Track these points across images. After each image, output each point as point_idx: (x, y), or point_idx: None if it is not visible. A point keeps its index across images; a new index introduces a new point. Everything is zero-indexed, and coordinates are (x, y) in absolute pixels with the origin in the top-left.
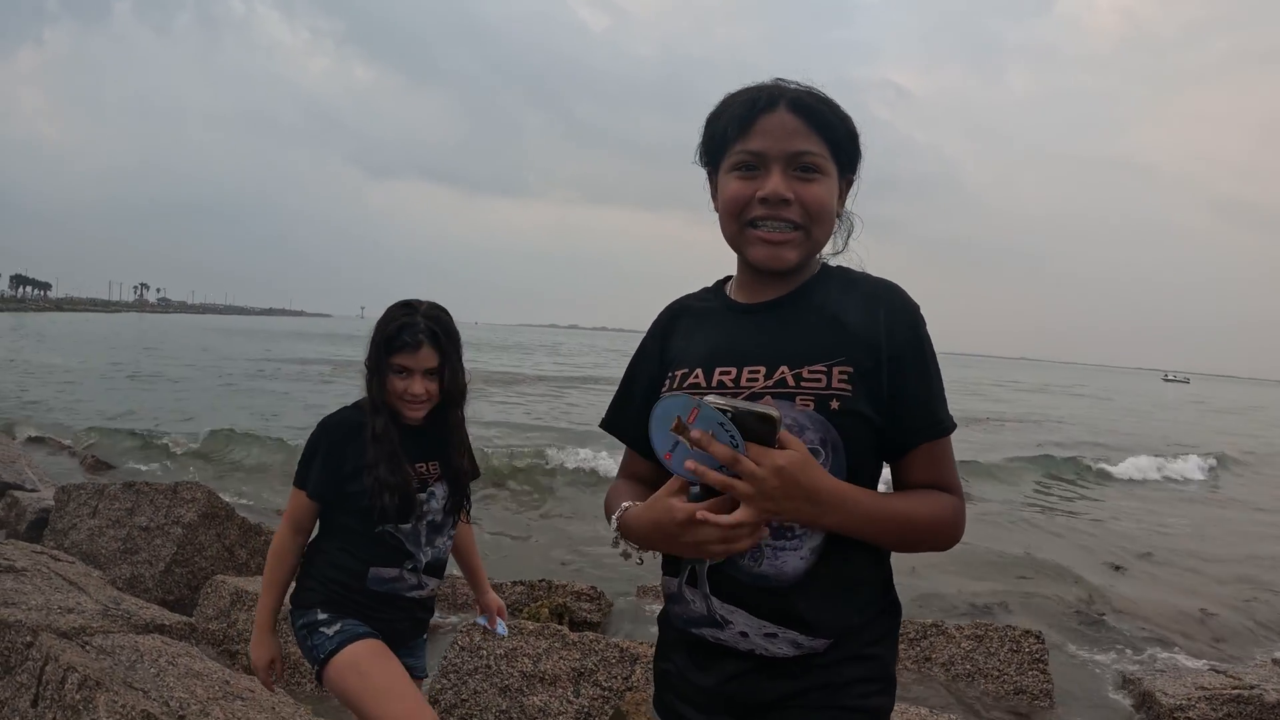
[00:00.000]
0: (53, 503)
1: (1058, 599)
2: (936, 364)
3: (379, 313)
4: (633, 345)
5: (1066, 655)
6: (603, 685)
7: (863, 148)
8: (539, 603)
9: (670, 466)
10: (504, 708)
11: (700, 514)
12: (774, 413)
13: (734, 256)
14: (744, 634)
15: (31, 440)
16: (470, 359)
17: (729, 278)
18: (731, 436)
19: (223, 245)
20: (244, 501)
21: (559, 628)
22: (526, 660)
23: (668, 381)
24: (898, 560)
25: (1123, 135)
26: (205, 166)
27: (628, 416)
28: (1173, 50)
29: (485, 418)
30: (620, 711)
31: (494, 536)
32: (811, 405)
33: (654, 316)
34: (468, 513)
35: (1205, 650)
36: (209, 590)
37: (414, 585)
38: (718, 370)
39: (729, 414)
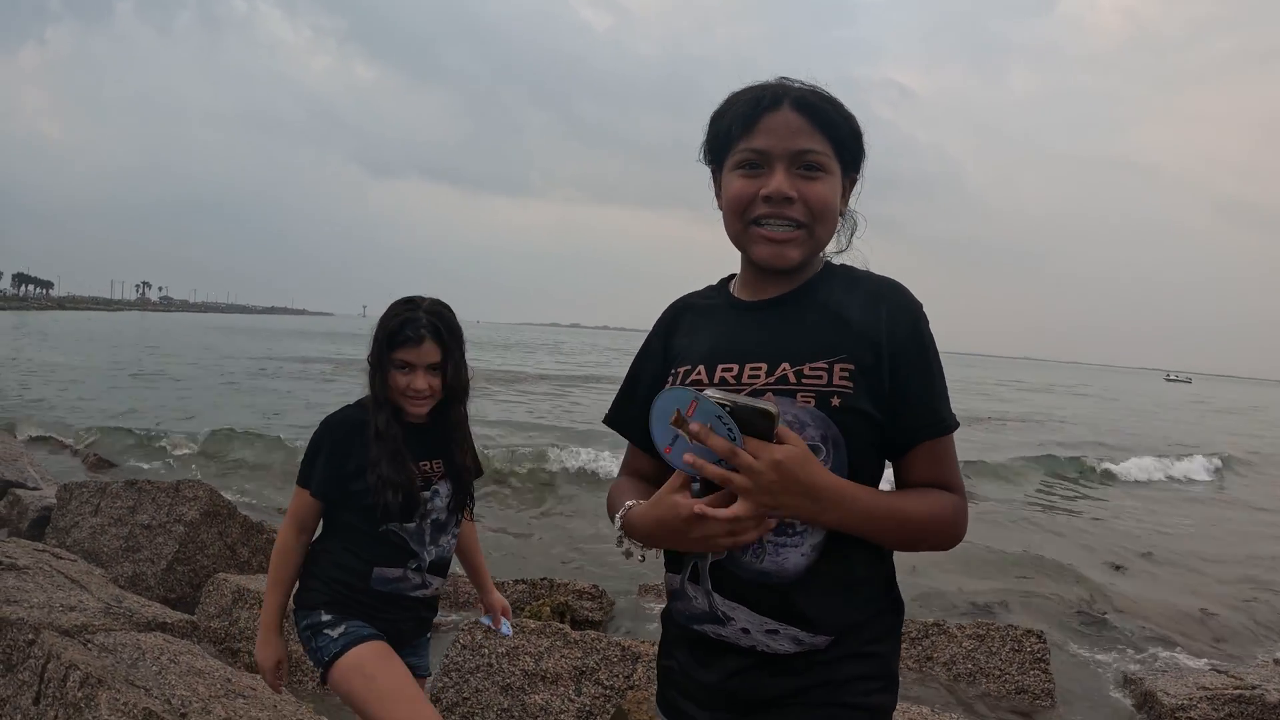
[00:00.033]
0: (55, 501)
1: (1059, 598)
2: (939, 362)
3: (381, 312)
4: (634, 344)
5: (1068, 654)
6: (604, 684)
7: (865, 147)
8: (540, 601)
9: (670, 460)
10: (505, 706)
11: (698, 508)
12: (772, 408)
13: (736, 255)
14: (745, 630)
15: (34, 438)
16: (472, 357)
17: (733, 276)
18: (730, 430)
19: (225, 244)
20: (246, 500)
21: (561, 626)
22: (528, 659)
23: (671, 378)
24: (898, 559)
25: (1125, 135)
26: (207, 165)
27: (631, 413)
28: (1175, 50)
29: (487, 416)
30: (622, 710)
31: (495, 535)
32: (812, 402)
33: (656, 315)
34: (471, 511)
35: (1207, 650)
36: (211, 588)
37: (418, 585)
38: (720, 367)
39: (728, 408)
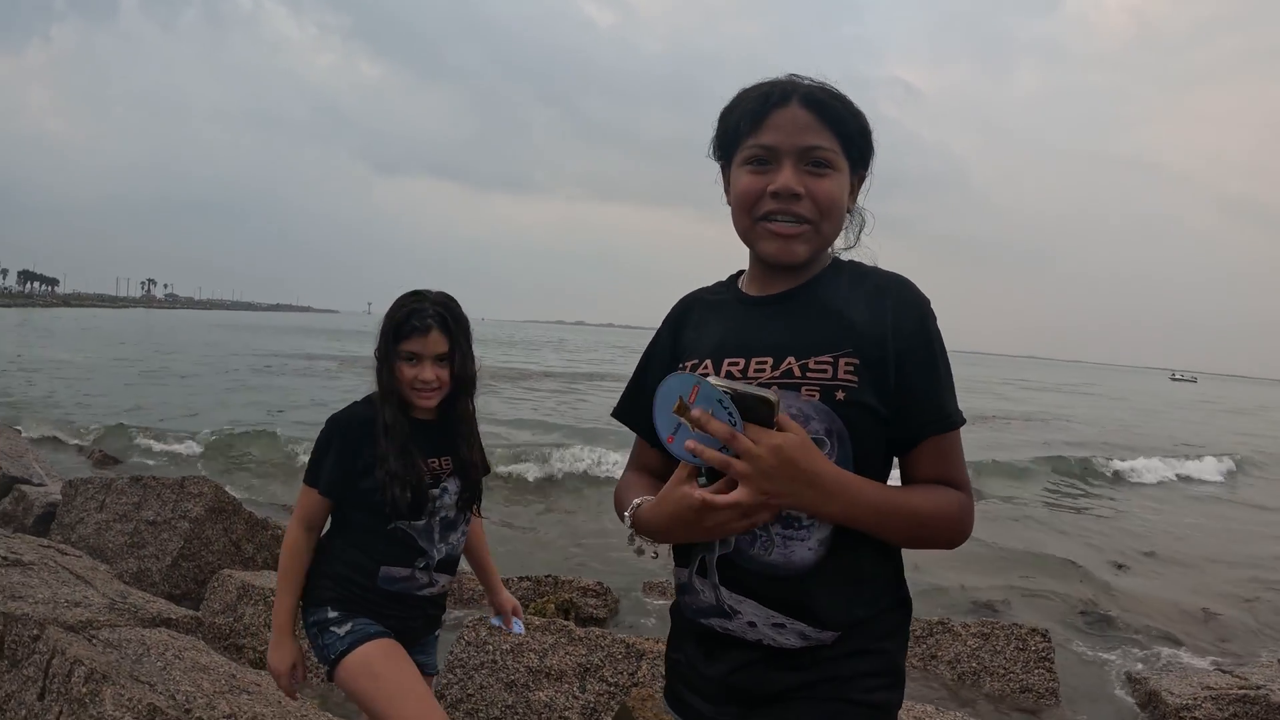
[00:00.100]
0: (60, 497)
1: (1064, 597)
2: (945, 358)
3: (385, 309)
4: (639, 341)
5: (1072, 653)
6: (609, 681)
7: (874, 144)
8: (545, 598)
9: (672, 449)
10: (510, 703)
11: (698, 495)
12: (772, 396)
13: (743, 252)
14: (752, 624)
15: (39, 435)
16: (477, 354)
17: (742, 272)
18: (730, 415)
19: (230, 241)
20: (251, 496)
21: (565, 623)
22: (533, 655)
23: (678, 371)
24: (903, 556)
25: (1130, 133)
26: (212, 162)
27: (639, 406)
28: (1182, 48)
29: (493, 413)
30: (626, 707)
31: (500, 532)
32: (817, 396)
33: (660, 312)
34: (478, 508)
35: (1211, 650)
36: (216, 584)
37: (425, 583)
38: (726, 361)
39: (729, 393)
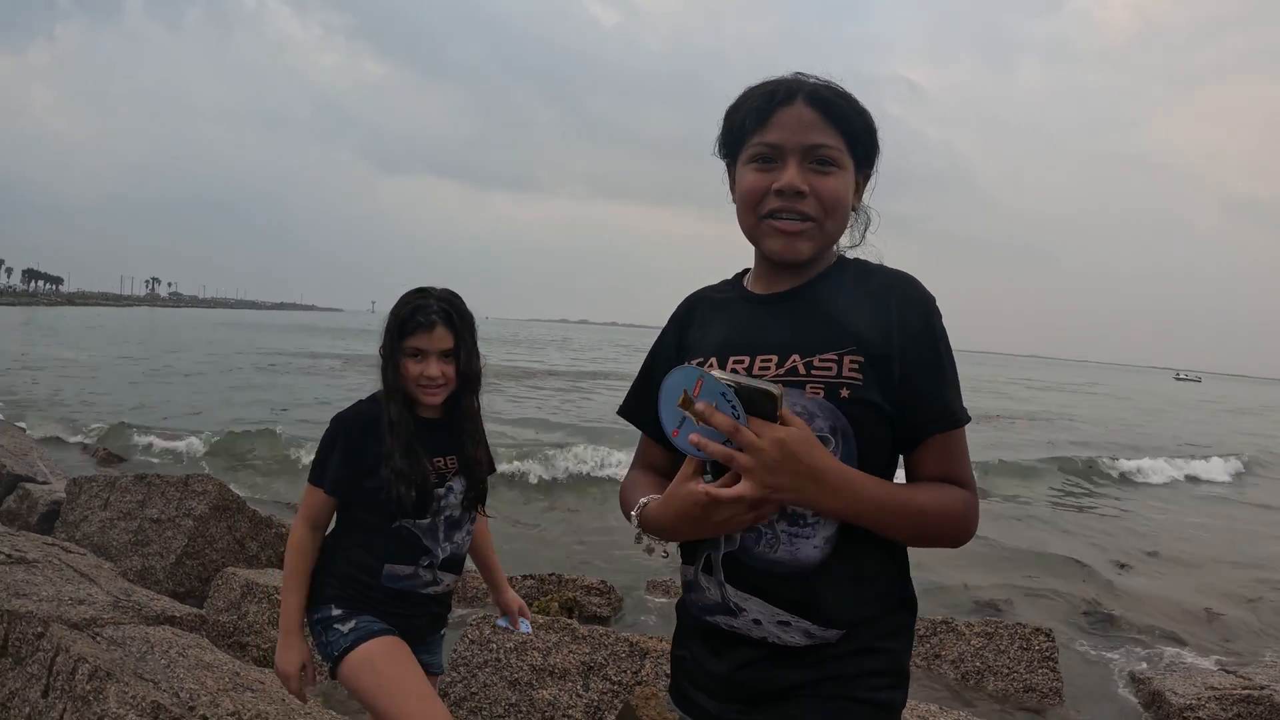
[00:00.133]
0: (64, 495)
1: (1067, 596)
2: (950, 355)
3: (389, 307)
4: (642, 340)
5: (1075, 653)
6: (612, 679)
7: (880, 143)
8: (549, 596)
9: (677, 443)
10: (513, 701)
11: (700, 488)
12: (775, 389)
13: (745, 252)
14: (757, 621)
15: (44, 433)
16: (481, 352)
17: (747, 270)
18: (734, 409)
19: (234, 240)
20: (255, 495)
21: (569, 621)
22: (536, 654)
23: None
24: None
25: (1135, 132)
26: (216, 161)
27: (645, 404)
28: (1185, 47)
29: (497, 411)
30: (630, 706)
31: (504, 530)
32: (821, 393)
33: (664, 311)
34: (483, 507)
35: (1215, 650)
36: (220, 582)
37: (429, 581)
38: (731, 359)
39: (733, 386)
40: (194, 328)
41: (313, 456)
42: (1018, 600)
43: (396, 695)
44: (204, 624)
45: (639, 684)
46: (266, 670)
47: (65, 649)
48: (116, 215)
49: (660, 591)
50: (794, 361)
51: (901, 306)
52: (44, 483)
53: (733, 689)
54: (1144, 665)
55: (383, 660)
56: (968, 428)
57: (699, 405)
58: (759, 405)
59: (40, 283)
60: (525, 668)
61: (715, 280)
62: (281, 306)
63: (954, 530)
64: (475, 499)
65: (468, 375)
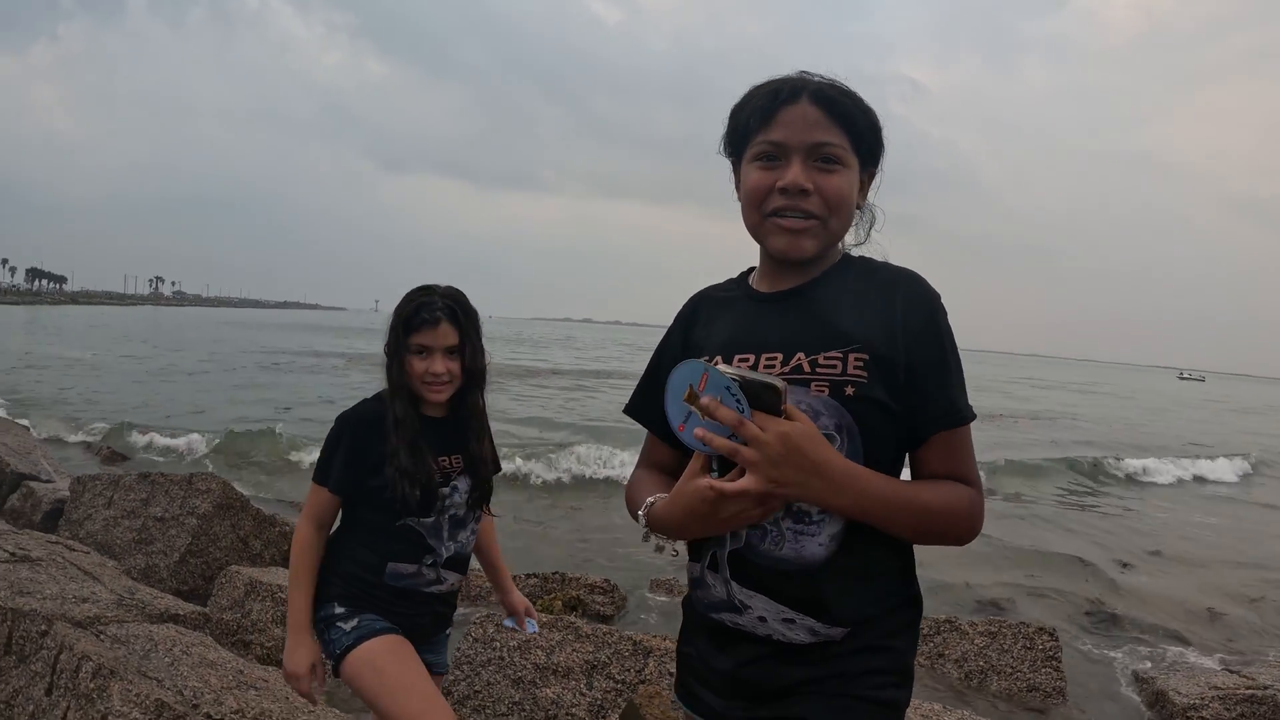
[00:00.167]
0: (68, 493)
1: (1070, 595)
2: (956, 353)
3: (393, 306)
4: (646, 338)
5: (1079, 652)
6: (616, 678)
7: (885, 141)
8: (552, 595)
9: (683, 437)
10: (517, 699)
11: (706, 483)
12: (778, 383)
13: (749, 251)
14: (762, 619)
15: (47, 432)
16: (486, 350)
17: (752, 269)
18: (738, 402)
19: (238, 239)
20: (258, 493)
21: (572, 620)
22: (539, 652)
23: None
24: None
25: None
26: (220, 161)
27: (651, 403)
28: (1190, 46)
29: (501, 410)
30: (633, 704)
31: (507, 528)
32: (826, 391)
33: (667, 310)
34: (488, 506)
35: (1218, 649)
36: (223, 581)
37: (433, 580)
38: (736, 357)
39: (737, 380)
40: (198, 327)
41: (315, 456)
42: (1020, 599)
43: (398, 694)
44: (207, 622)
45: (642, 683)
46: (270, 668)
47: (69, 647)
48: (120, 215)
49: (663, 590)
50: (799, 359)
51: (906, 304)
52: (48, 481)
53: (737, 686)
54: (1147, 664)
55: (384, 659)
56: (972, 426)
57: (704, 400)
58: (763, 399)
59: (44, 282)
60: (529, 666)
61: (718, 279)
62: (285, 305)
63: (959, 528)
64: (480, 498)
65: (473, 372)
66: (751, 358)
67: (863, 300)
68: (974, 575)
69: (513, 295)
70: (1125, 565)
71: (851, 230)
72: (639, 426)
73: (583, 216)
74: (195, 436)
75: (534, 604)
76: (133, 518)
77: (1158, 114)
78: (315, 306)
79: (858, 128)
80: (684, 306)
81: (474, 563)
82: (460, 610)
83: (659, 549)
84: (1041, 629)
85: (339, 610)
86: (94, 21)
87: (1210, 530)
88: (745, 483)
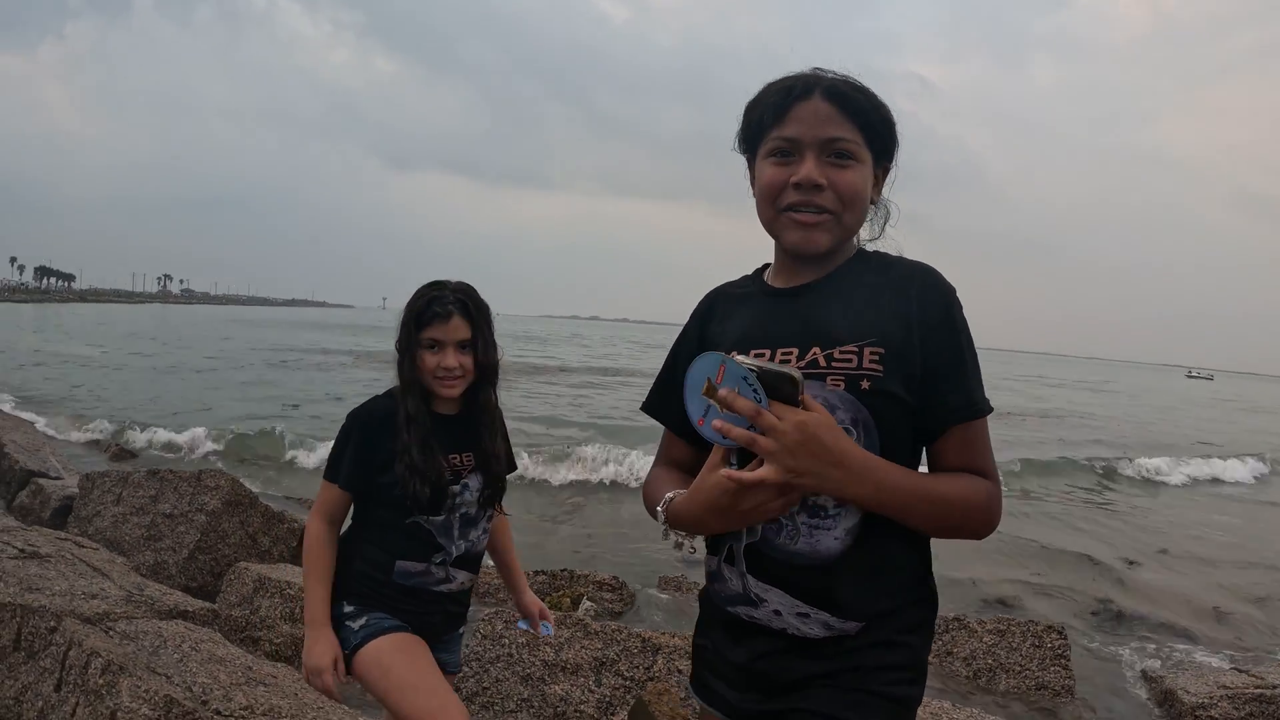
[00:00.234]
0: (76, 490)
1: (1078, 593)
2: (972, 346)
3: (401, 304)
4: (655, 336)
5: (1087, 650)
6: (624, 675)
7: (899, 137)
8: (561, 592)
9: (703, 431)
10: (525, 696)
11: (725, 473)
12: (796, 374)
13: (756, 249)
14: (777, 612)
15: (56, 429)
16: (498, 345)
17: (767, 265)
18: (756, 393)
19: (245, 237)
20: (267, 490)
21: (581, 617)
22: (548, 649)
23: None
24: None
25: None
26: (227, 159)
27: (668, 400)
28: (1198, 42)
29: (509, 408)
30: (642, 701)
31: (515, 526)
32: (842, 385)
33: (676, 307)
34: (501, 505)
35: (1226, 648)
36: (232, 577)
37: (442, 579)
38: (752, 352)
39: (755, 371)
40: (206, 324)
41: (318, 454)
42: (1027, 596)
43: (407, 692)
44: (216, 619)
45: (651, 679)
46: (279, 665)
47: (78, 643)
48: (128, 213)
49: (672, 587)
50: (814, 353)
51: (922, 297)
52: (56, 478)
53: (752, 679)
54: (1155, 663)
55: (392, 657)
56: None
57: (722, 392)
58: (781, 390)
59: (52, 280)
60: (537, 663)
61: (727, 277)
62: (293, 303)
63: (977, 520)
64: (492, 496)
65: (485, 366)
66: (767, 353)
67: (878, 294)
68: (981, 572)
69: (520, 292)
70: (1133, 563)
71: (866, 225)
72: (647, 424)
73: (590, 214)
74: (202, 431)
75: (542, 600)
76: (141, 514)
77: (1166, 110)
78: (323, 304)
79: (870, 123)
80: (699, 303)
81: (486, 560)
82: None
83: (678, 546)
84: (1050, 627)
85: (348, 609)
86: (101, 21)
87: (1220, 529)
88: (763, 472)
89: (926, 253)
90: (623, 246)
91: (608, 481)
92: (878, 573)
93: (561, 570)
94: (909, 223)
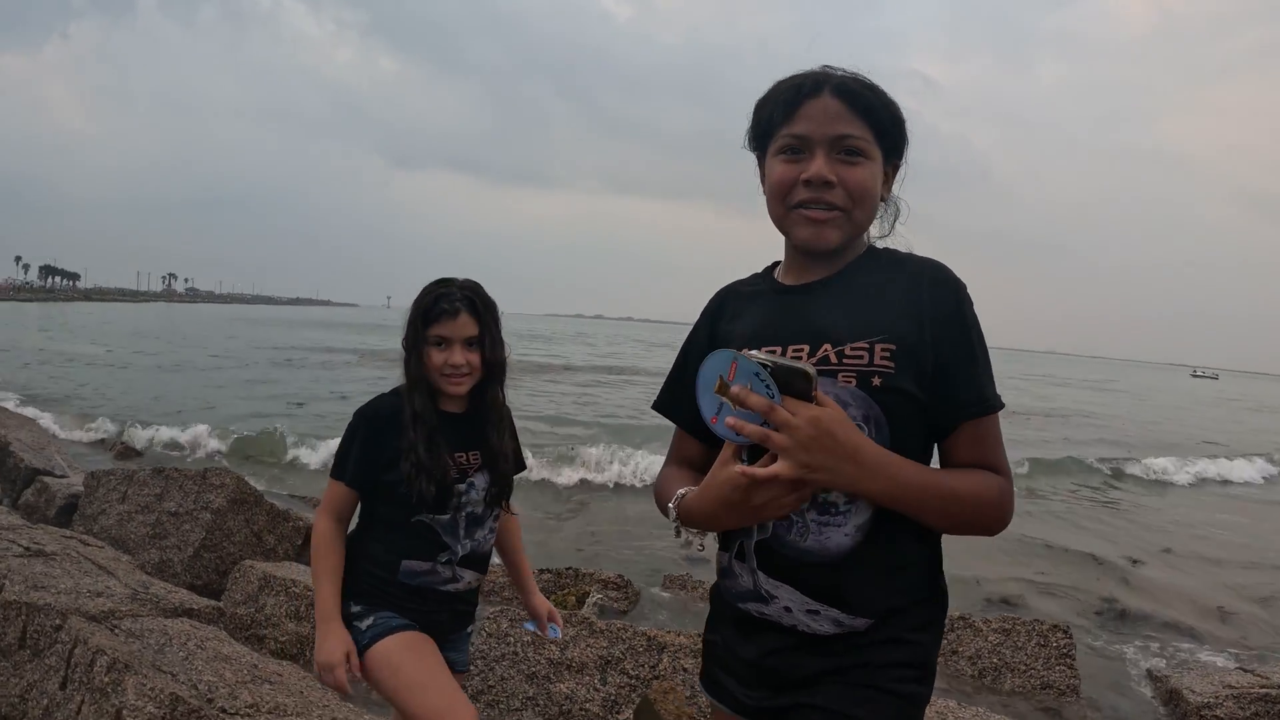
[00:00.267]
0: (82, 488)
1: (1083, 591)
2: (983, 342)
3: (405, 302)
4: (660, 335)
5: (1092, 649)
6: (630, 674)
7: (909, 134)
8: (566, 590)
9: (716, 429)
10: (531, 694)
11: (739, 469)
12: (809, 370)
13: (766, 247)
14: (787, 609)
15: (61, 427)
16: (506, 342)
17: (777, 263)
18: (769, 389)
19: (250, 236)
20: (272, 488)
21: (586, 615)
22: (554, 648)
23: None
24: None
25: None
26: (231, 158)
27: (679, 399)
28: (1203, 41)
29: (514, 407)
30: (647, 700)
31: (521, 523)
32: (854, 382)
33: (681, 306)
34: (508, 503)
35: (1231, 647)
36: (237, 575)
37: (448, 578)
38: (763, 349)
39: (767, 366)
40: (210, 323)
41: (321, 452)
42: (1032, 595)
43: (415, 690)
44: (222, 616)
45: (656, 678)
46: (284, 663)
47: (83, 641)
48: (132, 212)
49: (677, 586)
50: (825, 350)
51: (932, 294)
52: (62, 476)
53: (761, 675)
54: (1160, 662)
55: (400, 656)
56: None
57: (734, 388)
58: (794, 385)
59: (57, 279)
60: (543, 661)
61: (732, 275)
62: (297, 302)
63: (989, 517)
64: (499, 495)
65: (492, 364)
66: (778, 349)
67: (889, 291)
68: (986, 570)
69: (524, 291)
70: (1138, 562)
71: (876, 223)
72: (652, 423)
73: (594, 212)
74: (207, 429)
75: (548, 598)
76: (147, 513)
77: (1170, 109)
78: (327, 303)
79: (880, 120)
80: (710, 301)
81: (495, 558)
82: None
83: (688, 544)
84: (1055, 626)
85: (355, 608)
86: (105, 20)
87: (1225, 529)
88: (777, 467)
89: (931, 252)
90: (626, 245)
91: (612, 480)
92: (888, 570)
93: (566, 568)
94: (912, 221)
